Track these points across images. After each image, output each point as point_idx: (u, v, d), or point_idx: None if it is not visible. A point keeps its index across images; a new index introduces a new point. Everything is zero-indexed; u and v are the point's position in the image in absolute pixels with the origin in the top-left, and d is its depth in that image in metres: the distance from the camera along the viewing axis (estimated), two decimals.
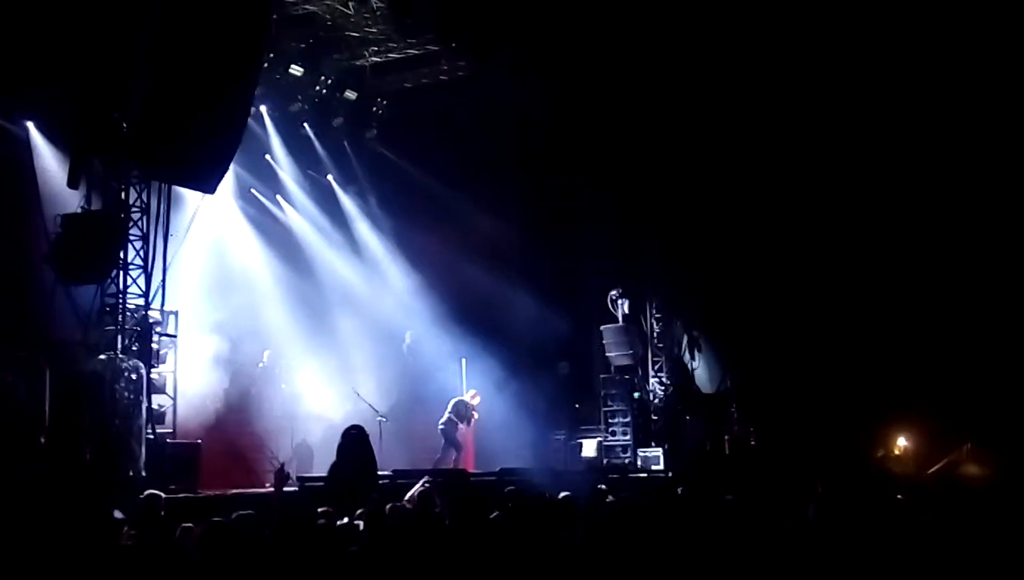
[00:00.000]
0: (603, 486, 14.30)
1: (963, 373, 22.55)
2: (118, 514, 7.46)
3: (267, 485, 13.68)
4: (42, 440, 11.62)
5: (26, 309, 13.27)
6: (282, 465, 8.40)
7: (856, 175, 21.86)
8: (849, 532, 4.08)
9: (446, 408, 17.62)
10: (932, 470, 20.65)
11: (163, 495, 9.24)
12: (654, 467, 20.05)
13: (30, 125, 15.12)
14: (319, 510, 8.18)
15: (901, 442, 29.03)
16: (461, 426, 17.73)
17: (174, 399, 13.70)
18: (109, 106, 13.00)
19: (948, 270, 22.26)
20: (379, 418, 16.53)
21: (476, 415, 18.16)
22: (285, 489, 8.59)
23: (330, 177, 20.56)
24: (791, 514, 7.77)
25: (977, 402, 22.43)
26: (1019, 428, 20.49)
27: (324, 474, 11.31)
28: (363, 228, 20.82)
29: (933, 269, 22.40)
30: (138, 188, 13.33)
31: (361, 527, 7.80)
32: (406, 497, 9.89)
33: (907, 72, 19.88)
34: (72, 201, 12.94)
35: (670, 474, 19.37)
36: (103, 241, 12.65)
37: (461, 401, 17.85)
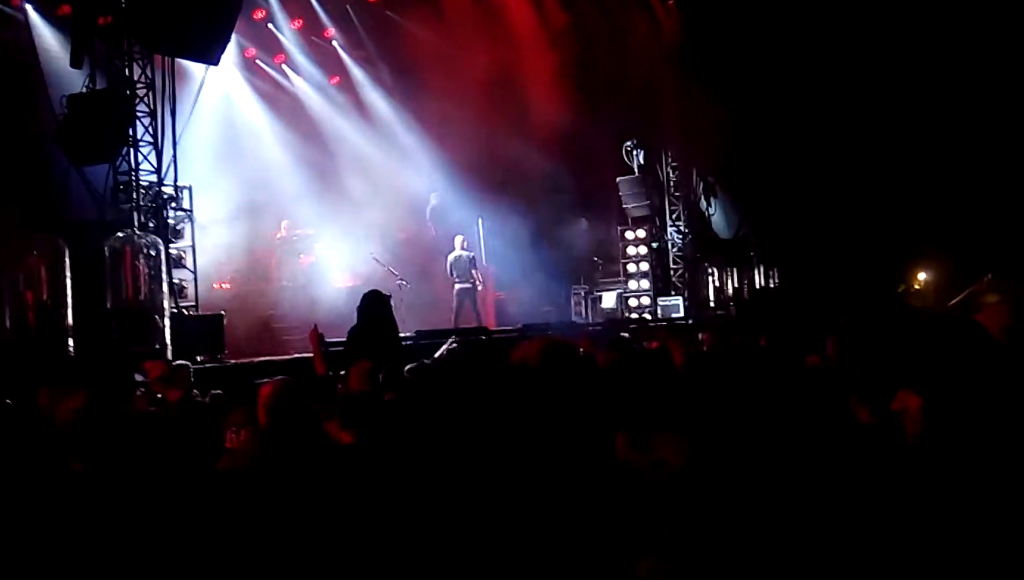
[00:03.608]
0: (625, 334, 14.48)
1: (983, 205, 22.45)
2: (139, 377, 7.66)
3: (292, 353, 13.97)
4: (68, 319, 11.80)
5: (42, 191, 13.31)
6: (315, 326, 8.51)
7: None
8: (868, 362, 4.10)
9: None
10: (953, 302, 20.75)
11: (191, 365, 9.47)
12: (674, 315, 20.21)
13: (28, 7, 14.90)
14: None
15: (922, 276, 29.29)
16: (468, 281, 17.71)
17: (194, 273, 13.82)
18: None
19: (967, 105, 21.96)
20: (399, 282, 16.67)
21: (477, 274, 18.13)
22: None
23: (335, 42, 20.22)
24: (814, 350, 7.84)
25: (998, 233, 22.38)
26: None
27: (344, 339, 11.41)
28: (372, 93, 20.57)
29: (952, 103, 22.11)
30: (141, 64, 13.21)
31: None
32: (436, 355, 10.02)
33: None
34: (77, 82, 12.88)
35: (690, 321, 19.55)
36: (110, 119, 12.59)
37: (456, 256, 17.83)
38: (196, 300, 13.68)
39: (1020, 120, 21.55)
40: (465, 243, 17.96)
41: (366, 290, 11.48)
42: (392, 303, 11.29)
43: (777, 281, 23.82)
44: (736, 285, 23.04)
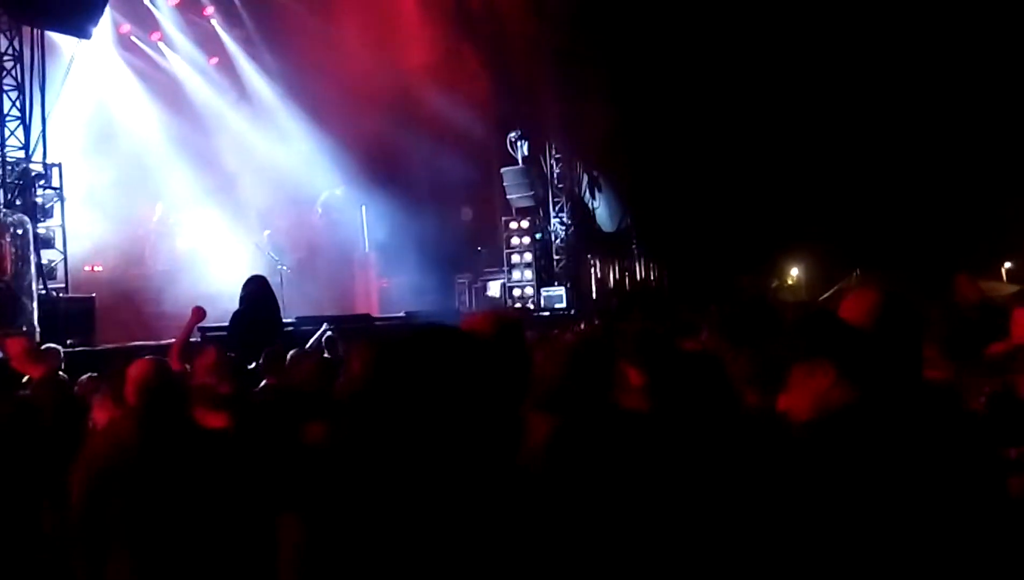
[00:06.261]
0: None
1: (852, 206, 23.24)
2: None
3: (168, 339, 13.51)
4: None
5: None
6: (200, 308, 8.27)
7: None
8: (739, 352, 4.13)
9: None
10: (823, 297, 21.46)
11: (62, 349, 9.05)
12: (557, 306, 20.33)
13: None
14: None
15: (794, 272, 30.38)
16: None
17: (64, 254, 13.24)
18: None
19: (836, 107, 22.66)
20: (280, 267, 16.33)
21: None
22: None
23: (214, 22, 19.63)
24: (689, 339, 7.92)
25: (865, 232, 23.20)
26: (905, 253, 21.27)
27: (226, 324, 11.13)
28: (252, 74, 20.04)
29: (822, 106, 22.78)
30: (9, 35, 12.63)
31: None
32: (307, 345, 9.85)
33: None
34: None
35: (573, 311, 19.68)
36: None
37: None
38: (66, 282, 13.10)
39: (886, 123, 22.31)
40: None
41: (246, 275, 11.27)
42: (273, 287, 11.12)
43: (657, 274, 24.22)
44: (618, 277, 23.32)
